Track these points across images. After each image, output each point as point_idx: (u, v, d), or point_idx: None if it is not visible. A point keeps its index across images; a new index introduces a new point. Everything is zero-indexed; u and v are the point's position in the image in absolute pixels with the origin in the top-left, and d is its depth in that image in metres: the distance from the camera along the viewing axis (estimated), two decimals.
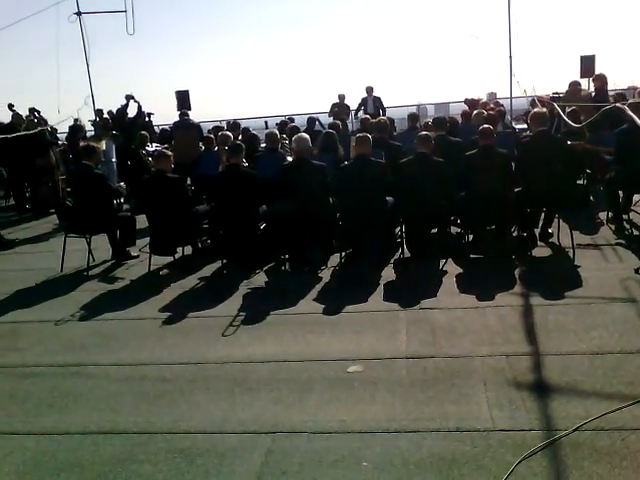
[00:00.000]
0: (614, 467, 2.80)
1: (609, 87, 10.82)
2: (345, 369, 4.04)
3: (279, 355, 4.34)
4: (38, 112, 11.88)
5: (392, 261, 6.31)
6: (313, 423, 3.42)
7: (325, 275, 6.12)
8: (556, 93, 11.05)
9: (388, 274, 5.98)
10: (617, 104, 4.87)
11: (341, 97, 14.61)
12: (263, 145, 8.51)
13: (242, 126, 10.53)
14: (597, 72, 11.31)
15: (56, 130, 11.53)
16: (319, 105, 15.55)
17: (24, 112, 11.67)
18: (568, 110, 8.24)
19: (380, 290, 5.53)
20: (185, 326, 5.10)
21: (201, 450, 3.25)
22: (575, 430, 3.07)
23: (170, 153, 7.17)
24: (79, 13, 11.84)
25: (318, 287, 5.77)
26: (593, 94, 10.12)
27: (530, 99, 11.88)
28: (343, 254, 6.49)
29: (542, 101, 10.15)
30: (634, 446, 2.93)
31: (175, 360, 4.43)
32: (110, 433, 3.51)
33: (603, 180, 7.54)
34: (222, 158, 7.77)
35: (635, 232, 6.65)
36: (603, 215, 7.12)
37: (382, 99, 14.55)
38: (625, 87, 14.99)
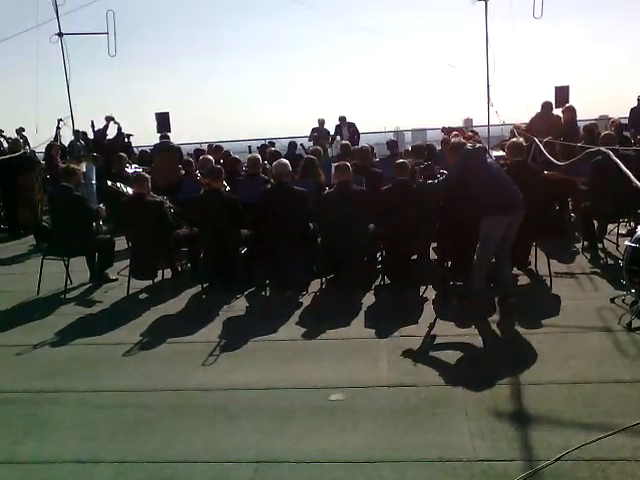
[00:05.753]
0: None
1: (579, 117, 11.12)
2: (326, 397, 4.04)
3: (260, 382, 4.32)
4: (23, 130, 11.88)
5: (372, 287, 6.34)
6: (296, 452, 3.40)
7: (306, 300, 6.13)
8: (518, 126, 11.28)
9: (368, 300, 6.01)
10: (602, 148, 4.99)
11: (321, 122, 14.75)
12: (245, 169, 8.52)
13: (224, 149, 10.56)
14: (569, 102, 11.61)
15: (34, 152, 11.43)
16: (300, 129, 15.66)
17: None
18: (544, 141, 8.41)
19: (361, 317, 5.55)
20: (165, 352, 5.05)
21: None
22: (556, 460, 3.11)
23: (148, 176, 7.16)
24: (60, 34, 11.78)
25: (299, 313, 5.78)
26: (562, 119, 10.36)
27: (510, 128, 12.11)
28: (324, 279, 6.51)
29: (519, 131, 10.34)
30: (614, 477, 2.97)
31: (155, 387, 4.38)
32: (89, 462, 3.45)
33: (578, 209, 7.70)
34: (202, 182, 7.77)
35: (610, 261, 6.78)
36: (579, 244, 7.26)
37: (357, 125, 14.83)
38: (597, 117, 15.39)
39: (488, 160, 5.71)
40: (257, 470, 3.26)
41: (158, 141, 10.95)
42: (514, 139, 7.47)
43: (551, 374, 4.13)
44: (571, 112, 10.45)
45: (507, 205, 5.34)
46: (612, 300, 5.37)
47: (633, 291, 5.17)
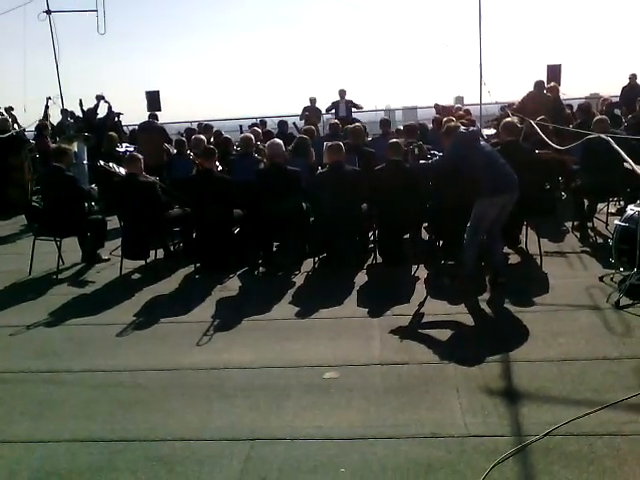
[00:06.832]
0: (582, 472, 2.91)
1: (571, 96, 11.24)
2: (320, 375, 4.09)
3: (254, 361, 4.36)
4: (12, 109, 11.78)
5: (365, 267, 6.38)
6: (291, 429, 3.46)
7: (299, 280, 6.17)
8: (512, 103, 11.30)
9: (361, 279, 6.05)
10: (602, 135, 5.02)
11: (312, 100, 14.59)
12: (237, 148, 8.50)
13: (214, 129, 10.49)
14: (561, 81, 11.65)
15: (24, 130, 11.35)
16: (292, 106, 15.55)
17: None
18: (537, 120, 8.42)
19: (353, 296, 5.60)
20: (159, 331, 5.08)
21: (180, 457, 3.27)
22: (545, 436, 3.18)
23: (141, 156, 7.13)
24: (49, 12, 11.65)
25: (292, 292, 5.82)
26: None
27: (500, 106, 12.14)
28: (316, 259, 6.54)
29: (511, 110, 10.36)
30: (600, 451, 3.05)
31: (150, 366, 4.41)
32: (86, 441, 3.49)
33: (569, 189, 7.75)
34: (195, 162, 7.76)
35: (599, 240, 6.85)
36: (569, 223, 7.32)
37: (354, 102, 14.56)
38: (588, 95, 15.43)
39: (481, 142, 5.73)
40: (253, 447, 3.31)
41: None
42: (508, 119, 7.49)
43: (541, 351, 4.20)
44: (557, 91, 10.50)
45: (501, 186, 5.37)
46: (601, 279, 5.44)
47: (622, 269, 5.24)
